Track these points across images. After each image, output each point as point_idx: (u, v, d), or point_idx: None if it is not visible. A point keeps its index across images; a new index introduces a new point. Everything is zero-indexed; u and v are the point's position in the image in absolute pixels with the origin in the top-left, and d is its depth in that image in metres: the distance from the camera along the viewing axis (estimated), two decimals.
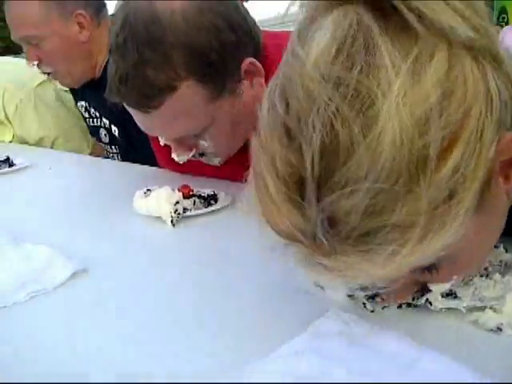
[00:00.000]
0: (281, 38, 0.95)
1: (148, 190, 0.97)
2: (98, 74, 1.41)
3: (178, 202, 0.90)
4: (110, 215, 0.98)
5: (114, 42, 0.79)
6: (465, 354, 0.47)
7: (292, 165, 0.37)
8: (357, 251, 0.38)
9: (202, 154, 0.94)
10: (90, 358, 0.53)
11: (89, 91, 1.45)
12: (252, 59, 0.84)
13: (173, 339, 0.55)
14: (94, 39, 1.36)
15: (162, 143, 0.93)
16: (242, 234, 0.83)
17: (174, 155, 0.92)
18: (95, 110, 1.48)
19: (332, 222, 0.37)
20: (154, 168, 1.24)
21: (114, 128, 1.42)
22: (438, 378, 0.42)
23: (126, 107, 0.84)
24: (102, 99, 1.31)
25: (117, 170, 1.35)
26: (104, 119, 1.44)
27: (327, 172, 0.36)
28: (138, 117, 0.84)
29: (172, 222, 0.88)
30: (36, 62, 1.38)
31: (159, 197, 0.90)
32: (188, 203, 0.92)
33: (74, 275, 0.69)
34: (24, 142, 1.79)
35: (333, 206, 0.36)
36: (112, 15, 0.86)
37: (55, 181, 1.29)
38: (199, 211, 0.93)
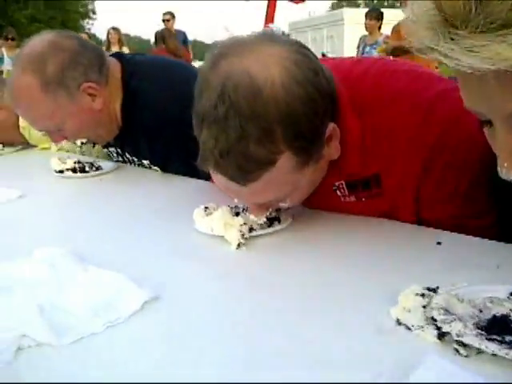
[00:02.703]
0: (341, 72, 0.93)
1: (206, 207, 0.97)
2: (120, 121, 1.38)
3: (244, 224, 0.89)
4: (172, 233, 0.97)
5: (213, 114, 0.76)
6: None
7: None
8: (495, 35, 0.45)
9: (278, 210, 0.96)
10: None
11: (118, 138, 1.43)
12: (334, 124, 0.83)
13: (249, 364, 0.55)
14: (106, 98, 1.32)
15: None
16: (305, 255, 0.84)
17: (251, 216, 0.92)
18: (131, 155, 1.48)
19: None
20: (208, 182, 1.21)
21: (154, 167, 1.42)
22: None
23: (213, 175, 0.83)
24: (135, 143, 1.36)
25: (167, 182, 1.34)
26: (144, 161, 1.44)
27: None
28: (229, 185, 0.82)
29: (239, 245, 0.87)
30: (63, 142, 1.37)
31: (224, 218, 0.90)
32: (255, 222, 0.92)
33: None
34: None
35: None
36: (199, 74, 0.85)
37: (106, 194, 1.29)
38: (264, 231, 0.92)
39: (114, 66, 1.34)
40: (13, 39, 7.35)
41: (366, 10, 7.75)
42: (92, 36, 36.30)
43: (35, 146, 1.84)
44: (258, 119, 0.74)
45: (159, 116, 1.29)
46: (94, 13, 42.67)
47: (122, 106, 1.33)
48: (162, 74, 1.35)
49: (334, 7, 59.15)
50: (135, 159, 1.46)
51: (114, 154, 1.55)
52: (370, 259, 0.81)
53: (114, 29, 7.65)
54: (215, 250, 0.89)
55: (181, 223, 0.98)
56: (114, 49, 7.25)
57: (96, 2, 43.89)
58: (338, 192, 0.96)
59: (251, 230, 0.91)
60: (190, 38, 9.04)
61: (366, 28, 6.56)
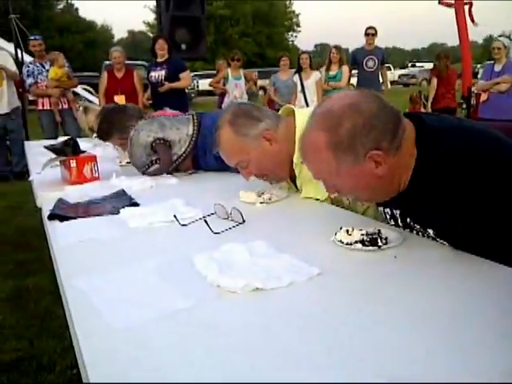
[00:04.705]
0: None
1: None
2: (406, 186, 1.27)
3: None
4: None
5: None
6: None
7: None
8: None
9: None
10: None
11: (400, 201, 1.33)
12: None
13: None
14: (393, 165, 1.21)
15: None
16: None
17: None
18: (413, 222, 1.35)
19: None
20: None
21: (440, 240, 1.27)
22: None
23: None
24: (422, 210, 1.25)
25: (463, 262, 1.16)
26: (429, 230, 1.29)
27: None
28: None
29: None
30: (336, 194, 1.35)
31: None
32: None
33: None
34: None
35: None
36: None
37: None
38: None
39: (410, 130, 1.24)
40: (238, 60, 7.72)
41: None
42: (295, 48, 39.79)
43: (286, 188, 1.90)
44: None
45: (454, 187, 1.16)
46: (298, 25, 46.30)
47: (413, 171, 1.24)
48: (462, 142, 1.20)
49: None
50: (417, 226, 1.34)
51: (387, 216, 1.46)
52: None
53: (336, 48, 7.51)
54: None
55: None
56: (334, 67, 7.34)
57: (300, 16, 47.25)
58: None
59: None
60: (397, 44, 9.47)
61: None
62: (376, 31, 7.57)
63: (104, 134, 2.77)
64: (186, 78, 6.39)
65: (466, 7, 8.90)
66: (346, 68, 7.42)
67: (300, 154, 1.34)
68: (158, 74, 6.25)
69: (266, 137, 1.74)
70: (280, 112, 1.89)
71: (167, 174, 2.38)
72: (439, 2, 9.10)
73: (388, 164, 1.21)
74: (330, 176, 1.28)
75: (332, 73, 7.35)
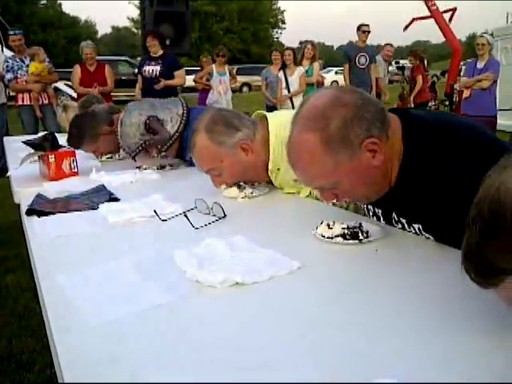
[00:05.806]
0: None
1: None
2: (394, 181, 1.26)
3: None
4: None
5: (472, 213, 0.75)
6: None
7: None
8: None
9: None
10: None
11: (385, 197, 1.30)
12: None
13: None
14: (386, 155, 1.20)
15: None
16: None
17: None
18: (398, 216, 1.33)
19: None
20: None
21: (426, 234, 1.26)
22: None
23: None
24: (408, 204, 1.25)
25: (444, 257, 1.16)
26: (414, 224, 1.28)
27: None
28: None
29: None
30: (334, 200, 1.30)
31: None
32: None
33: None
34: None
35: None
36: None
37: None
38: None
39: (395, 123, 1.23)
40: (223, 56, 7.82)
41: None
42: (280, 44, 40.11)
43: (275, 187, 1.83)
44: (497, 233, 0.72)
45: (442, 180, 1.16)
46: (283, 22, 46.40)
47: (400, 166, 1.23)
48: (448, 135, 1.20)
49: None
50: (403, 221, 1.33)
51: (370, 213, 1.45)
52: None
53: (312, 44, 7.69)
54: None
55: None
56: (306, 62, 7.52)
57: (285, 13, 47.34)
58: None
59: None
60: (382, 42, 9.29)
61: None
62: (369, 29, 7.62)
63: (75, 144, 2.56)
64: (180, 76, 6.36)
65: (447, 15, 9.20)
66: (317, 64, 7.67)
67: (290, 164, 1.27)
68: (153, 69, 6.22)
69: (243, 147, 1.73)
70: (253, 116, 1.87)
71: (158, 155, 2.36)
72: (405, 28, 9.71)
73: (383, 153, 1.19)
74: (327, 178, 1.22)
75: (304, 68, 7.52)
